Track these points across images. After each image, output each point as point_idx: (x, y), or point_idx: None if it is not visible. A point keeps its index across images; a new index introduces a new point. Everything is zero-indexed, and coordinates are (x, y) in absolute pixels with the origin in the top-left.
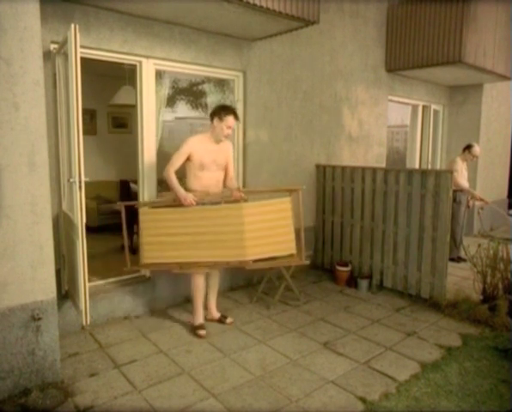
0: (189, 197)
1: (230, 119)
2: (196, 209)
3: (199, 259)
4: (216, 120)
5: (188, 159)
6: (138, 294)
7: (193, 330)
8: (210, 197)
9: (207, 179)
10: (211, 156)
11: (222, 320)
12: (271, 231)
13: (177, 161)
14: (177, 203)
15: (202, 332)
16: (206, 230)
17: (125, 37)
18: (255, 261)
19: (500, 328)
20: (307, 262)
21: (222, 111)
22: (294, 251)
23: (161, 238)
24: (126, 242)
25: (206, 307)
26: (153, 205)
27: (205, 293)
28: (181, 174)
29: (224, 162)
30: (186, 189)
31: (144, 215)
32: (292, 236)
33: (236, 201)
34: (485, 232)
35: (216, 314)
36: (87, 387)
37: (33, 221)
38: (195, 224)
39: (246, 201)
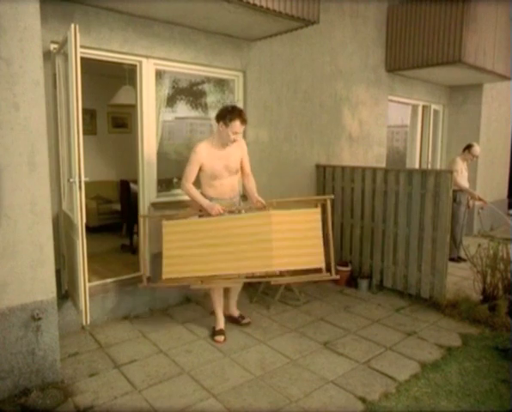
0: (216, 206)
1: (236, 125)
2: (221, 219)
3: (223, 272)
4: (221, 125)
5: (200, 169)
6: (138, 294)
7: (212, 334)
8: (235, 207)
9: (221, 187)
10: (222, 163)
11: (239, 320)
12: (299, 242)
13: (190, 174)
14: (203, 214)
15: (218, 338)
16: (231, 240)
17: (125, 37)
18: (281, 274)
19: (500, 328)
20: (338, 277)
21: (228, 115)
22: (322, 265)
23: (184, 251)
24: (143, 262)
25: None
26: (177, 217)
27: (222, 295)
28: (196, 185)
29: (237, 165)
30: (207, 197)
31: (167, 228)
32: (321, 249)
33: (260, 209)
34: (485, 232)
35: (235, 312)
36: (87, 387)
37: (33, 221)
38: (220, 234)
39: (271, 208)
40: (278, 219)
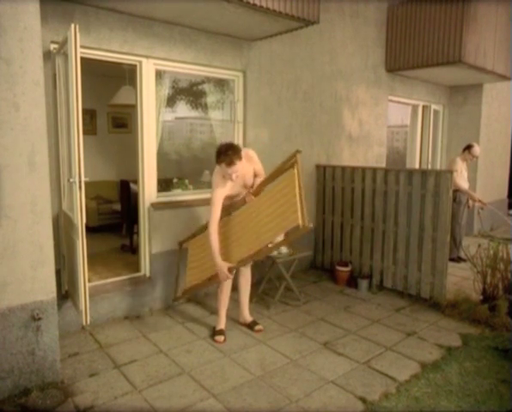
0: (224, 271)
1: (224, 168)
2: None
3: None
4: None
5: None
6: (138, 294)
7: (212, 334)
8: (243, 262)
9: (237, 202)
10: (237, 186)
11: (251, 326)
12: (279, 209)
13: (215, 214)
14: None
15: (218, 338)
16: (233, 236)
17: (125, 37)
18: (270, 245)
19: (500, 328)
20: (311, 225)
21: (217, 157)
22: (299, 222)
23: (199, 259)
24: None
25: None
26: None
27: (228, 296)
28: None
29: (251, 180)
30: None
31: (190, 246)
32: (296, 206)
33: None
34: (485, 232)
35: (247, 318)
36: (87, 387)
37: (33, 221)
38: (228, 234)
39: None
40: (264, 198)
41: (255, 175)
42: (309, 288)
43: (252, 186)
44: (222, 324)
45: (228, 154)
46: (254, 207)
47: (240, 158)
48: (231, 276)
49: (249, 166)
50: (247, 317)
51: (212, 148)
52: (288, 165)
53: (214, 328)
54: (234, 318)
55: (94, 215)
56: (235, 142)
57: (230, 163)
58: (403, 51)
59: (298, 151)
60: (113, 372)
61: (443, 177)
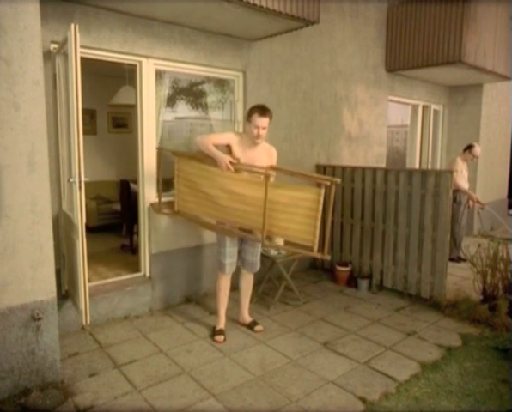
0: (226, 159)
1: (255, 118)
2: (226, 175)
3: (222, 220)
4: (247, 123)
5: (226, 147)
6: (138, 294)
7: (212, 334)
8: (248, 169)
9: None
10: (247, 162)
11: (251, 326)
12: (296, 217)
13: (216, 138)
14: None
15: (218, 338)
16: (233, 197)
17: (125, 37)
18: (272, 241)
19: (500, 328)
20: (329, 257)
21: (249, 111)
22: (314, 245)
23: (192, 190)
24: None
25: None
26: (190, 156)
27: (227, 295)
28: None
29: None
30: None
31: (179, 163)
32: (315, 230)
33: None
34: (485, 232)
35: (247, 319)
36: (87, 387)
37: (33, 221)
38: (225, 187)
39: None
40: (278, 191)
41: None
42: (309, 288)
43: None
44: (221, 324)
45: (265, 107)
46: (271, 190)
47: (270, 118)
48: (232, 168)
49: (266, 159)
50: (247, 317)
51: None
52: (320, 180)
53: (214, 328)
54: (234, 318)
55: (94, 215)
56: None
57: (263, 113)
58: (403, 51)
59: (337, 182)
60: (113, 372)
61: (443, 177)
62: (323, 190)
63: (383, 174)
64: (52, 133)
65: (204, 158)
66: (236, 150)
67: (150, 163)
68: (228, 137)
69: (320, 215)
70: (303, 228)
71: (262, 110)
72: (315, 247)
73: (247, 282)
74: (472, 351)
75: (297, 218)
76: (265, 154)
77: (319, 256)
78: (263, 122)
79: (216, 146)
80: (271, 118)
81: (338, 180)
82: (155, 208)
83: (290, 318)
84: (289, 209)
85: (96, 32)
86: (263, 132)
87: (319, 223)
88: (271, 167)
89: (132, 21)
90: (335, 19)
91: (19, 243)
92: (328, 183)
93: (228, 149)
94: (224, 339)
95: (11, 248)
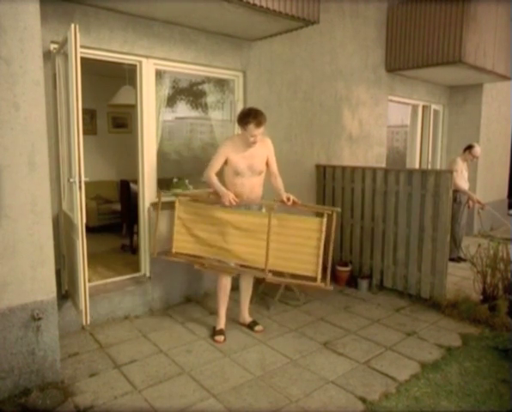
0: (229, 197)
1: (251, 128)
2: (228, 211)
3: (223, 259)
4: (240, 128)
5: (226, 163)
6: (138, 294)
7: (212, 334)
8: (249, 202)
9: (241, 186)
10: (246, 162)
11: (251, 326)
12: (298, 247)
13: (215, 164)
14: (218, 201)
15: (218, 338)
16: (235, 232)
17: (125, 37)
18: (275, 274)
19: (500, 328)
20: (331, 287)
21: (244, 118)
22: (317, 275)
23: (192, 230)
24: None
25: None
26: (192, 198)
27: (228, 295)
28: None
29: (261, 166)
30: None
31: (180, 206)
32: (318, 259)
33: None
34: (485, 232)
35: (247, 319)
36: (87, 387)
37: (33, 221)
38: (226, 224)
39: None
40: (280, 222)
41: (268, 168)
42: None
43: (260, 173)
44: (221, 324)
45: (262, 115)
46: (266, 222)
47: (265, 123)
48: (234, 203)
49: (262, 151)
50: (247, 317)
51: (212, 149)
52: (322, 210)
53: (214, 328)
54: (234, 318)
55: (94, 215)
56: None
57: (259, 124)
58: (403, 51)
59: (338, 210)
60: (113, 372)
61: (443, 177)
62: (325, 220)
63: (383, 174)
64: (52, 133)
65: (206, 198)
66: (233, 158)
67: (150, 163)
68: (223, 153)
69: (322, 244)
70: (306, 258)
71: (258, 121)
72: (318, 277)
73: (247, 282)
74: (472, 351)
75: (300, 248)
76: (261, 147)
77: (322, 286)
78: (258, 132)
79: (217, 172)
80: (264, 125)
81: (339, 209)
82: (151, 252)
83: (290, 318)
84: (291, 239)
85: (96, 32)
86: (258, 137)
87: (321, 252)
88: (260, 174)
89: (132, 21)
90: (335, 19)
91: (19, 243)
92: (330, 212)
93: (225, 162)
94: (224, 339)
95: (11, 248)
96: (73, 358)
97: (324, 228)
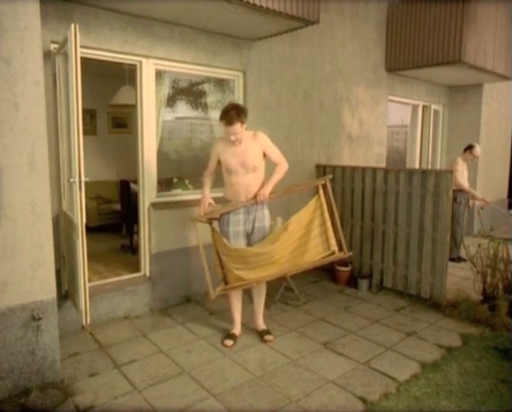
0: (202, 204)
1: (224, 126)
2: (254, 252)
3: (259, 277)
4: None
5: (219, 163)
6: (138, 294)
7: (225, 336)
8: (227, 208)
9: (237, 185)
10: (237, 159)
11: (261, 334)
12: (309, 236)
13: (210, 164)
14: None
15: (226, 342)
16: (262, 259)
17: (125, 37)
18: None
19: (500, 328)
20: (351, 253)
21: (220, 115)
22: (335, 248)
23: (227, 264)
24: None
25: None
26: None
27: (239, 299)
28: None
29: (254, 162)
30: (224, 198)
31: (214, 244)
32: (330, 232)
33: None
34: (485, 232)
35: (258, 326)
36: (87, 387)
37: (33, 221)
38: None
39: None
40: (289, 227)
41: (269, 159)
42: (309, 288)
43: (255, 169)
44: (234, 329)
45: (229, 113)
46: (284, 232)
47: (241, 121)
48: (202, 211)
49: (254, 146)
50: (258, 325)
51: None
52: (314, 184)
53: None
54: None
55: (94, 215)
56: None
57: (229, 122)
58: (403, 51)
59: (330, 178)
60: (113, 372)
61: (443, 177)
62: (321, 191)
63: (383, 174)
64: (52, 133)
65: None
66: (224, 157)
67: (150, 163)
68: (215, 153)
69: (327, 216)
70: (319, 241)
71: (227, 120)
72: (335, 248)
73: (258, 288)
74: (472, 351)
75: (311, 236)
76: (252, 143)
77: (341, 255)
78: (232, 130)
79: (211, 171)
80: (242, 122)
81: (330, 176)
82: (210, 293)
83: (290, 318)
84: (302, 232)
85: (96, 32)
86: (238, 137)
87: (329, 224)
88: (255, 170)
89: (132, 21)
90: (335, 19)
91: (19, 243)
92: (323, 182)
93: (219, 162)
94: (233, 344)
95: (11, 248)
96: (73, 358)
97: (323, 199)
